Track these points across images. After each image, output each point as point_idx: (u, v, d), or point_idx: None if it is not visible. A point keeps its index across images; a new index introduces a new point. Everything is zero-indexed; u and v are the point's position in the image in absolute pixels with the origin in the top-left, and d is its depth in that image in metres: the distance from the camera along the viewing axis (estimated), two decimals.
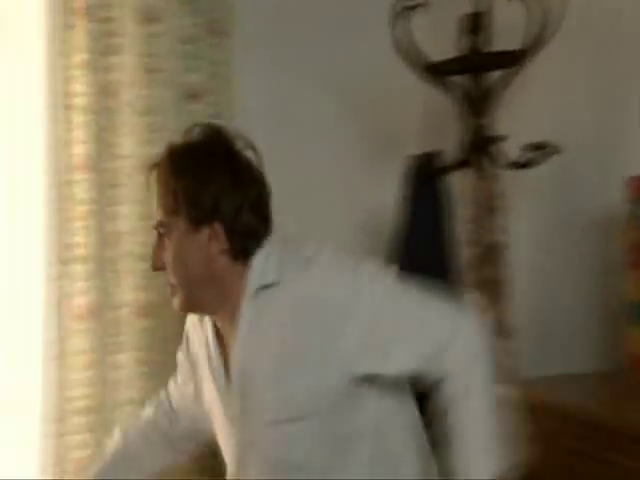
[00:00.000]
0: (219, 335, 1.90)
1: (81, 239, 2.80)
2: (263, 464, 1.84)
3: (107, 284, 2.83)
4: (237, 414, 1.85)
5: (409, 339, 1.76)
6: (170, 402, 2.15)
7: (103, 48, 2.82)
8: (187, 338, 2.04)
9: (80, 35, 2.78)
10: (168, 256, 1.80)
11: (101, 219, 2.82)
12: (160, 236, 1.82)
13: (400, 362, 1.76)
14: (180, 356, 2.08)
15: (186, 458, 2.26)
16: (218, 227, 1.77)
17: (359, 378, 1.76)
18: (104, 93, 2.82)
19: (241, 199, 1.78)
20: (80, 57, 2.79)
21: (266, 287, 1.77)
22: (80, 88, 2.80)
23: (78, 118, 2.79)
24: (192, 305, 1.85)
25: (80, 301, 2.79)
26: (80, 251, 2.80)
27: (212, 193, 1.76)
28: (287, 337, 1.74)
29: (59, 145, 2.78)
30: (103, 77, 2.82)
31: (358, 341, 1.73)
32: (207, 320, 1.93)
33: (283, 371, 1.76)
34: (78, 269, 2.79)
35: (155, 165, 1.83)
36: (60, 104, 2.79)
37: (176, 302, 1.83)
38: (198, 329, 1.97)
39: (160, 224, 1.81)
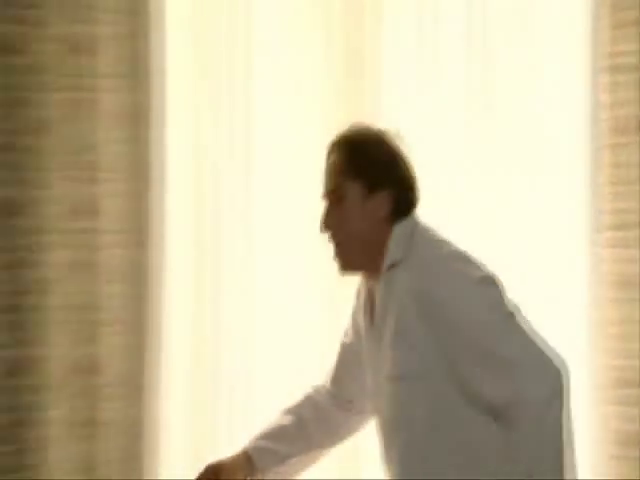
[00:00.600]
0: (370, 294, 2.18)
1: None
2: (380, 416, 2.13)
3: None
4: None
5: (496, 374, 1.93)
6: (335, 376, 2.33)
7: None
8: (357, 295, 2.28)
9: None
10: (339, 220, 2.10)
11: None
12: (332, 202, 2.11)
13: (481, 388, 1.96)
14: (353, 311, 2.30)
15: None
16: (387, 194, 2.09)
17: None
18: None
19: (403, 175, 2.12)
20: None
21: (395, 264, 2.05)
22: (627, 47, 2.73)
23: (623, 78, 2.73)
24: (353, 265, 2.13)
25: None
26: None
27: (387, 166, 2.10)
28: (399, 314, 2.01)
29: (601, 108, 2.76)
30: None
31: (452, 355, 1.97)
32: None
33: (397, 337, 2.02)
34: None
35: (340, 139, 2.15)
36: (603, 66, 2.76)
37: (339, 263, 2.13)
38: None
39: (336, 189, 2.11)
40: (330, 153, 2.14)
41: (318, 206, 2.18)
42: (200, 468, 2.24)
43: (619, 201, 2.72)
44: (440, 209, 2.78)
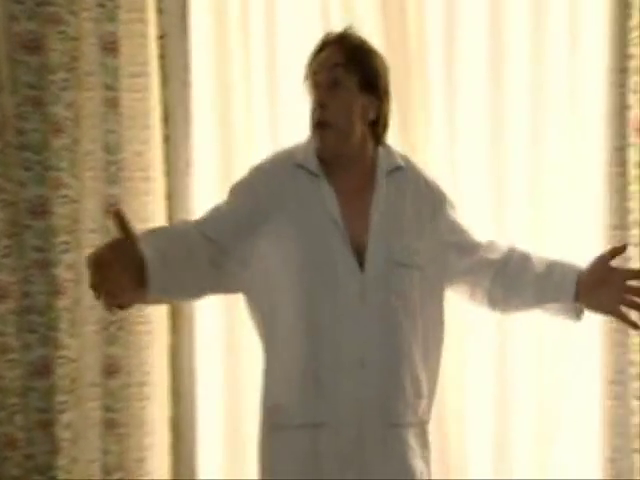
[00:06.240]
0: None
1: (636, 204, 2.80)
2: (383, 296, 2.11)
3: None
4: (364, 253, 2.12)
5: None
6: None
7: None
8: (270, 174, 2.19)
9: None
10: (337, 103, 2.14)
11: None
12: (329, 88, 2.15)
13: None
14: (258, 184, 2.18)
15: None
16: (375, 100, 2.19)
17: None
18: None
19: (388, 93, 2.23)
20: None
21: (396, 169, 2.21)
22: (638, 51, 2.78)
23: (635, 80, 2.79)
24: (339, 147, 2.16)
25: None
26: (635, 216, 2.80)
27: (381, 74, 2.21)
28: (410, 207, 2.19)
29: (617, 109, 2.81)
30: None
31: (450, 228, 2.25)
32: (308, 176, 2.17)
33: (405, 230, 2.16)
34: (634, 233, 2.80)
35: (339, 36, 2.20)
36: (617, 67, 2.82)
37: (327, 138, 2.14)
38: (294, 175, 2.17)
39: (336, 76, 2.15)
40: (326, 46, 2.19)
41: None
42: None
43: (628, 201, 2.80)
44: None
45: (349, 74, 2.15)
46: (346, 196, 2.14)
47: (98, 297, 1.79)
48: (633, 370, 2.78)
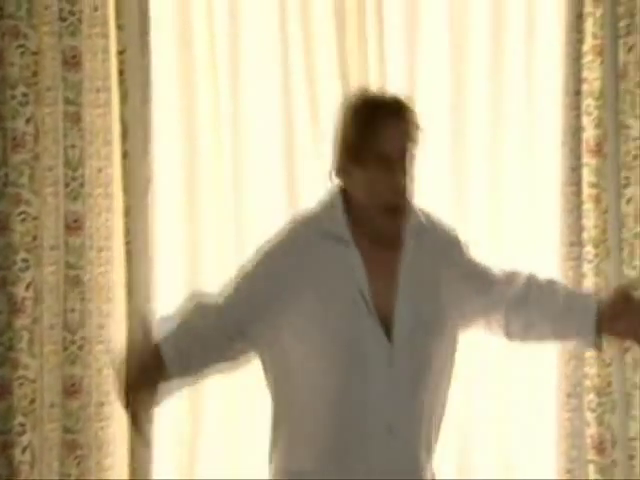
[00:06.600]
0: None
1: (590, 222, 2.88)
2: (409, 361, 2.07)
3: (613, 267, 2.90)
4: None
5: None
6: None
7: (615, 31, 2.88)
8: (296, 247, 2.12)
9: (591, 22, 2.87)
10: (409, 178, 2.08)
11: (610, 202, 2.89)
12: (406, 165, 2.08)
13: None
14: (280, 263, 2.11)
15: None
16: None
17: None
18: (614, 77, 2.89)
19: None
20: (592, 43, 2.87)
21: (422, 229, 2.14)
22: (591, 74, 2.88)
23: (589, 103, 2.88)
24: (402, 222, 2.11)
25: (589, 283, 2.87)
26: (589, 234, 2.89)
27: None
28: (434, 268, 2.13)
29: (572, 130, 2.90)
30: (613, 60, 2.89)
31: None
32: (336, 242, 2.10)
33: (429, 290, 2.11)
34: (588, 250, 2.89)
35: (404, 104, 2.12)
36: (572, 90, 2.90)
37: (400, 219, 2.08)
38: (319, 244, 2.10)
39: (411, 152, 2.09)
40: (396, 115, 2.09)
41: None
42: None
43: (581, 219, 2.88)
44: None
45: (413, 145, 2.10)
46: (374, 262, 2.08)
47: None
48: (588, 383, 2.87)
